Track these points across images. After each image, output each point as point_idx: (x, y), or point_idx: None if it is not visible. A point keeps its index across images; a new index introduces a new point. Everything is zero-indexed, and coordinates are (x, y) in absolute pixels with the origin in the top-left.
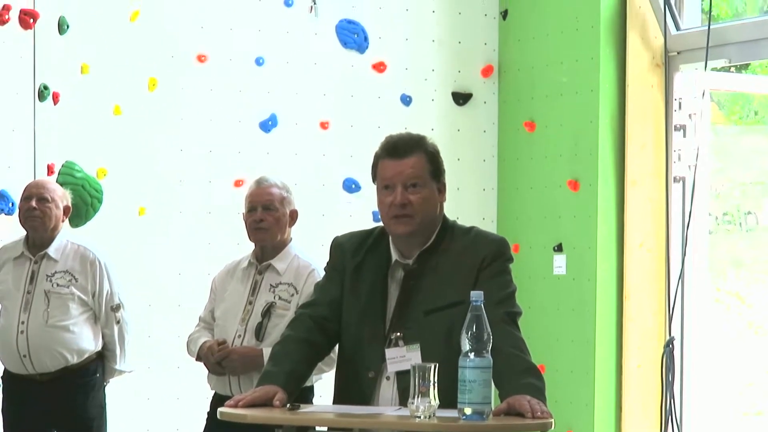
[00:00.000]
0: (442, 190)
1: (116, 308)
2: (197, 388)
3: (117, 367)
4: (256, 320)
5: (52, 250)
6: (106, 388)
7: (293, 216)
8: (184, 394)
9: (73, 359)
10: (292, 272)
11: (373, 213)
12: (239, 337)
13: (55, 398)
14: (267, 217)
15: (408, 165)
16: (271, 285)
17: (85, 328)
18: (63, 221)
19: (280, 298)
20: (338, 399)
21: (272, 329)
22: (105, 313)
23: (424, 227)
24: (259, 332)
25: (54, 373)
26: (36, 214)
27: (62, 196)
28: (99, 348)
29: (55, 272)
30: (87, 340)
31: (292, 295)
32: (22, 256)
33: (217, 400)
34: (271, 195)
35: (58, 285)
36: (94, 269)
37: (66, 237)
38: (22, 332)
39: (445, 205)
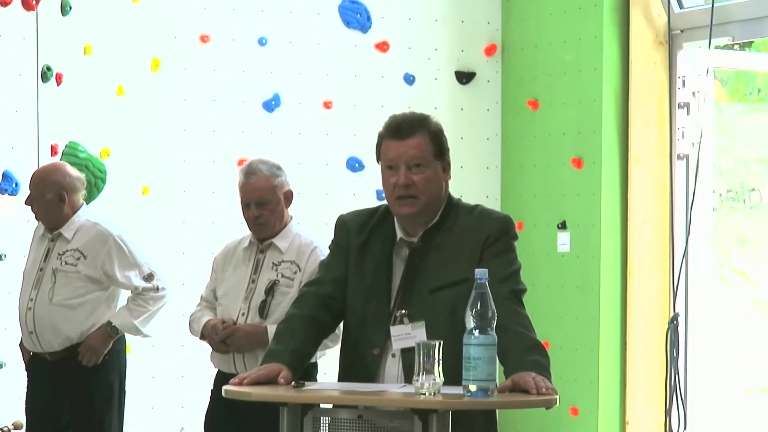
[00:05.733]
0: (446, 168)
1: (149, 277)
2: (201, 366)
3: (136, 322)
4: (259, 298)
5: (66, 230)
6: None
7: (288, 197)
8: (188, 373)
9: (76, 338)
10: (294, 250)
11: (377, 192)
12: (243, 316)
13: (62, 376)
14: (263, 213)
15: (411, 146)
16: (273, 263)
17: (89, 306)
18: (64, 206)
19: (283, 275)
20: (343, 376)
21: (276, 307)
22: (133, 286)
23: (429, 207)
24: (263, 310)
25: (60, 353)
26: (34, 212)
27: (58, 187)
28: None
29: (66, 251)
30: (92, 319)
31: (295, 272)
32: (43, 234)
33: (221, 379)
34: (260, 190)
35: (66, 263)
36: (108, 245)
37: (84, 215)
38: (29, 309)
39: (450, 183)
